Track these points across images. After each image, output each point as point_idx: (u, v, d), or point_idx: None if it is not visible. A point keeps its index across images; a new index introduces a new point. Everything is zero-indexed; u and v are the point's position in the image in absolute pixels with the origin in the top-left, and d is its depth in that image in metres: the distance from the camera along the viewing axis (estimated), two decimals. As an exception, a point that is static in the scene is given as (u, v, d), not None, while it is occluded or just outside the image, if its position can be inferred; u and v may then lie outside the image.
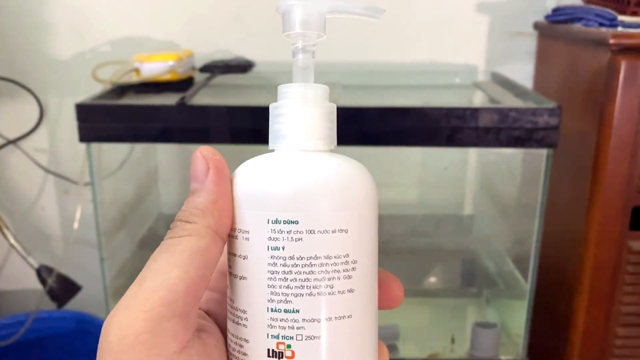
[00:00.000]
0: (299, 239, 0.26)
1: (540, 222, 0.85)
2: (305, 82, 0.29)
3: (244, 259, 0.27)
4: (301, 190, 0.26)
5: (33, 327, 1.10)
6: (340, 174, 0.27)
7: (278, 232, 0.26)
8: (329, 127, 0.28)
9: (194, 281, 0.25)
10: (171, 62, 0.94)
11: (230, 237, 0.27)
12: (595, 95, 0.85)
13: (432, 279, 1.09)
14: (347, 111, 0.80)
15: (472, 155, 1.18)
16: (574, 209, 0.91)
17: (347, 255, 0.26)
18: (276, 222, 0.26)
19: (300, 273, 0.26)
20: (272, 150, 0.28)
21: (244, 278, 0.27)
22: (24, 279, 1.21)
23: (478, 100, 1.04)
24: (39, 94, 1.14)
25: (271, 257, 0.26)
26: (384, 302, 0.29)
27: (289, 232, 0.26)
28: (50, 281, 1.03)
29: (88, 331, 1.14)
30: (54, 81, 1.15)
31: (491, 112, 0.78)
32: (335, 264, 0.26)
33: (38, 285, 1.06)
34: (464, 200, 1.22)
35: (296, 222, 0.26)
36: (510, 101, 0.88)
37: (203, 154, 0.27)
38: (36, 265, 1.05)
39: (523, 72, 1.13)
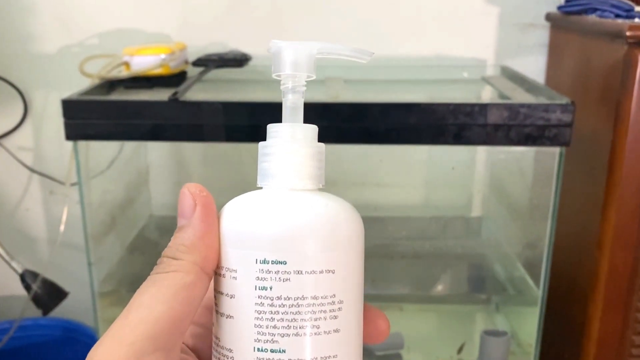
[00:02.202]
0: (286, 279, 0.27)
1: (553, 225, 0.85)
2: (294, 122, 0.30)
3: (231, 297, 0.28)
4: (289, 230, 0.28)
5: (17, 335, 1.10)
6: (329, 214, 0.28)
7: (266, 272, 0.27)
8: (317, 166, 0.30)
9: (178, 316, 0.27)
10: (163, 56, 0.94)
11: (217, 274, 0.29)
12: (610, 90, 0.85)
13: (439, 285, 1.09)
14: (349, 107, 0.80)
15: (481, 154, 1.18)
16: (588, 211, 0.91)
17: (334, 295, 0.28)
18: (264, 262, 0.27)
19: (287, 313, 0.27)
20: (260, 188, 0.30)
21: (231, 317, 0.28)
22: (7, 284, 1.21)
23: (487, 95, 1.04)
24: (23, 90, 1.14)
25: (259, 297, 0.28)
26: (370, 337, 0.31)
27: (276, 272, 0.27)
28: (35, 287, 1.03)
29: (75, 339, 1.14)
30: (39, 76, 1.15)
31: (501, 109, 0.78)
32: (322, 305, 0.28)
33: (22, 291, 1.05)
34: (472, 202, 1.21)
35: (284, 263, 0.27)
36: (521, 97, 0.88)
37: (190, 190, 0.29)
38: (20, 270, 1.05)
39: (534, 66, 1.13)
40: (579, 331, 0.93)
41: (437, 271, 1.10)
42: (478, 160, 1.19)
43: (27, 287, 1.04)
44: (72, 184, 0.98)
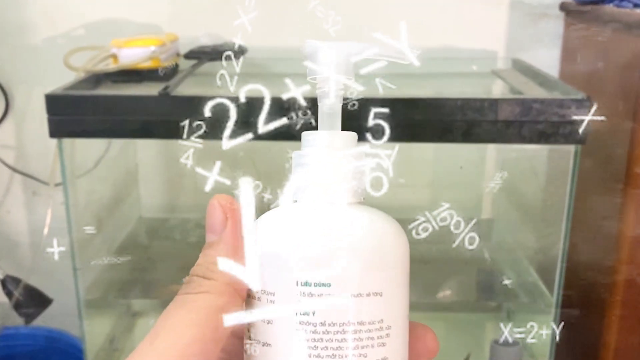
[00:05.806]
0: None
1: (568, 228, 0.85)
2: (331, 129, 0.30)
3: (267, 323, 0.27)
4: (333, 250, 0.27)
5: (-2, 345, 1.10)
6: (374, 232, 0.28)
7: (308, 295, 0.26)
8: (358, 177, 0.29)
9: (208, 343, 0.26)
10: (153, 48, 0.94)
11: (251, 297, 0.28)
12: (628, 84, 0.85)
13: (446, 291, 1.09)
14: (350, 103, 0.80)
15: (491, 152, 1.18)
16: (605, 213, 0.91)
17: (382, 320, 0.27)
18: (306, 284, 0.26)
19: (332, 341, 0.26)
20: (295, 202, 0.29)
21: (268, 345, 0.27)
22: (-13, 291, 1.21)
23: (498, 90, 1.04)
24: (4, 84, 1.14)
25: (300, 323, 0.27)
26: (419, 356, 0.30)
27: (320, 295, 0.26)
28: (17, 293, 1.03)
29: (59, 349, 1.14)
30: (22, 69, 1.15)
31: (512, 104, 0.78)
32: (369, 331, 0.27)
33: (3, 298, 1.06)
34: (482, 203, 1.21)
35: (328, 285, 0.26)
36: (533, 91, 0.88)
37: (220, 203, 0.28)
38: (1, 275, 1.05)
39: (548, 59, 1.13)
40: (595, 341, 0.93)
41: (445, 277, 1.10)
42: (488, 159, 1.18)
43: (9, 294, 1.04)
44: (57, 184, 0.98)
